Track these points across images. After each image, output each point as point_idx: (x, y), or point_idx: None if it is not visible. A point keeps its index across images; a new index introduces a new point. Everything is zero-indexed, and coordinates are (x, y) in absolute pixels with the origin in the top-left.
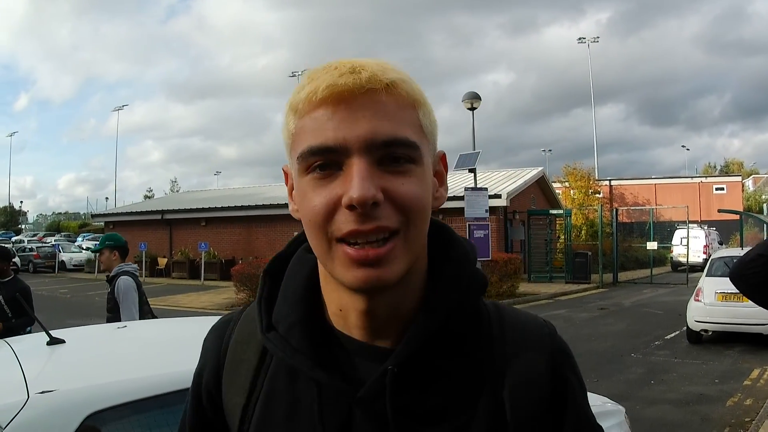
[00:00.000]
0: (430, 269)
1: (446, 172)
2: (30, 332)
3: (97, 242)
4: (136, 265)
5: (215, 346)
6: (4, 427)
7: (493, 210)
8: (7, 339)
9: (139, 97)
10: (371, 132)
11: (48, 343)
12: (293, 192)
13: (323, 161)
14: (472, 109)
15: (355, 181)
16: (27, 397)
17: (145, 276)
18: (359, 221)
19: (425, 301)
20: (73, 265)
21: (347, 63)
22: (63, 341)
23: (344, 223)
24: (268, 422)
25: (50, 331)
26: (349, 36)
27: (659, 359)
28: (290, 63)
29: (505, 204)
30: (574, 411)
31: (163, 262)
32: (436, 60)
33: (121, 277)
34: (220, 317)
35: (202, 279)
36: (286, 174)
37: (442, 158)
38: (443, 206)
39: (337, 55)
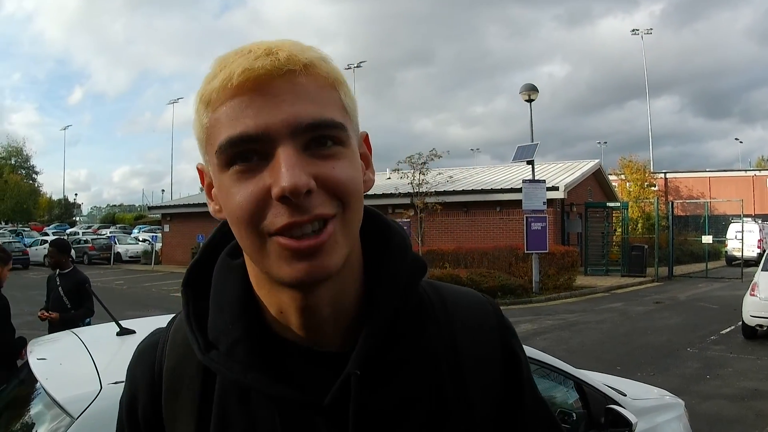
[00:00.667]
0: (366, 259)
1: (370, 153)
2: (89, 324)
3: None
4: None
5: (146, 374)
6: (76, 417)
7: (550, 202)
8: (74, 330)
9: (195, 89)
10: (294, 115)
11: (118, 334)
12: (212, 191)
13: (245, 152)
14: (530, 101)
15: (284, 170)
16: (100, 387)
17: None
18: (294, 213)
19: (371, 297)
20: (129, 257)
21: (261, 45)
22: (134, 332)
23: (278, 216)
24: None
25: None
26: (404, 28)
27: (714, 354)
28: (346, 55)
29: (562, 196)
30: (526, 383)
31: None
32: (491, 52)
33: None
34: (143, 339)
35: None
36: (201, 173)
37: (366, 139)
38: (501, 198)
39: (393, 46)
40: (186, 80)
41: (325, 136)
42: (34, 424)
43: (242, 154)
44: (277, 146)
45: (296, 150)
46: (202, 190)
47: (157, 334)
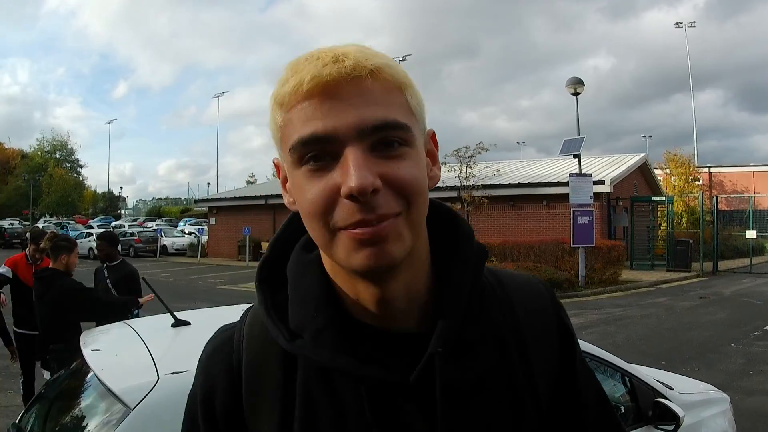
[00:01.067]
0: (434, 247)
1: (437, 150)
2: (138, 315)
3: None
4: None
5: (224, 369)
6: (133, 407)
7: (596, 196)
8: (127, 321)
9: (240, 83)
10: (361, 118)
11: (173, 325)
12: (287, 184)
13: (316, 152)
14: (576, 94)
15: (352, 171)
16: (157, 378)
17: (249, 260)
18: (362, 211)
19: (447, 279)
20: (175, 249)
21: (329, 52)
22: (188, 323)
23: (347, 213)
24: None
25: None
26: (450, 21)
27: (758, 350)
28: (391, 48)
29: (608, 190)
30: (578, 357)
31: (266, 246)
32: (536, 45)
33: None
34: (213, 334)
35: None
36: (277, 166)
37: (433, 137)
38: (548, 192)
39: (438, 40)
40: (231, 74)
41: (391, 137)
42: (88, 414)
43: (314, 153)
44: (346, 147)
45: (363, 151)
46: (248, 183)
47: (229, 329)
